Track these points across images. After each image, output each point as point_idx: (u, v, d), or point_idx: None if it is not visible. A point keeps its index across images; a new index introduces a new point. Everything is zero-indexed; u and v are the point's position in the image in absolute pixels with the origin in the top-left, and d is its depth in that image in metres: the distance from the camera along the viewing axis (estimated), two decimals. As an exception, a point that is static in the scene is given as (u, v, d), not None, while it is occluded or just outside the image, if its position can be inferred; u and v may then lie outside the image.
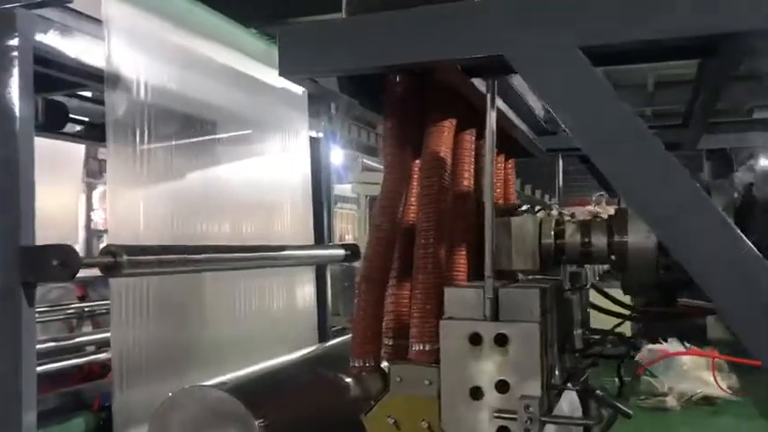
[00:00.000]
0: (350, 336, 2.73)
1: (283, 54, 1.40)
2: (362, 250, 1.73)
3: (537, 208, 1.77)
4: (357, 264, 7.36)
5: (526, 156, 2.47)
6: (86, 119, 3.27)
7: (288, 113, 2.86)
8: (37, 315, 1.65)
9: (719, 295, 1.14)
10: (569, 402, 1.74)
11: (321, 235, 3.11)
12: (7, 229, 1.57)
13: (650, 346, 6.32)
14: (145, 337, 2.01)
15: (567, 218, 1.66)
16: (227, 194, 2.46)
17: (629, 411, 1.35)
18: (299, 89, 2.93)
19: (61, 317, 3.90)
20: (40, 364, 1.96)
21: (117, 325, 1.95)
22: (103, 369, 3.41)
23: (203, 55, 2.30)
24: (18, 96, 1.59)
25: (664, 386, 5.90)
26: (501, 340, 1.35)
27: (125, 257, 1.69)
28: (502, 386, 1.34)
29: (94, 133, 3.21)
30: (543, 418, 1.28)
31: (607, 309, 2.53)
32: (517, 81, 1.71)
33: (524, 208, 1.75)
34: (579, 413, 1.76)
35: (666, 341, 6.46)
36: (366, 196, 8.58)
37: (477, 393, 1.36)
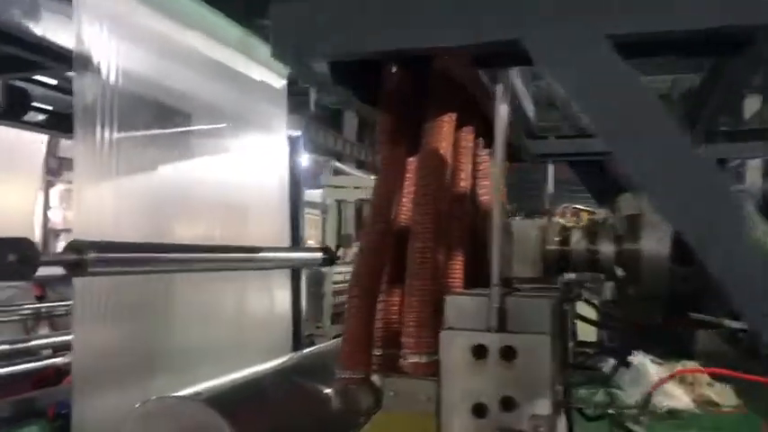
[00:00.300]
0: (326, 344, 2.62)
1: (276, 35, 1.28)
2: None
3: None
4: (326, 269, 7.19)
5: (517, 160, 2.39)
6: (51, 108, 3.09)
7: (266, 109, 2.73)
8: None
9: (753, 300, 1.05)
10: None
11: (296, 238, 2.99)
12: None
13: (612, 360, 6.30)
14: (109, 341, 1.86)
15: (572, 224, 1.57)
16: (201, 192, 2.33)
17: (641, 431, 1.26)
18: (278, 84, 2.81)
19: (15, 318, 3.69)
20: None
21: (79, 328, 1.80)
22: (59, 374, 3.22)
23: (181, 41, 2.17)
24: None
25: (631, 399, 5.91)
26: (508, 353, 1.24)
27: (92, 255, 1.55)
28: (508, 403, 1.24)
29: (59, 123, 3.03)
30: (555, 439, 1.17)
31: (594, 320, 2.46)
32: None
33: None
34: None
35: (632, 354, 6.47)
36: (336, 201, 8.45)
37: (480, 411, 1.25)
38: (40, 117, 3.10)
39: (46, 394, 2.85)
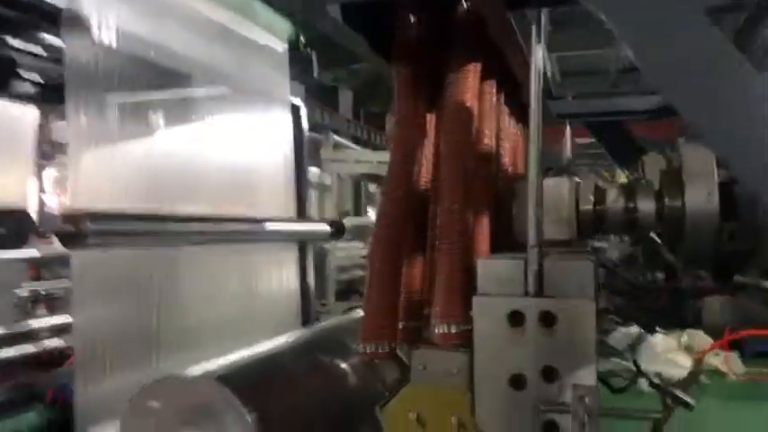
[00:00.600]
0: (337, 318, 2.53)
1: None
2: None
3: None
4: (329, 246, 7.09)
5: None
6: (41, 80, 2.97)
7: (268, 74, 2.61)
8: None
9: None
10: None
11: (303, 211, 2.88)
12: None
13: (622, 328, 6.31)
14: (110, 321, 1.76)
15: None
16: (204, 162, 2.21)
17: (691, 402, 1.17)
18: (279, 47, 2.68)
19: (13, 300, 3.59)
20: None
21: (80, 306, 1.70)
22: (54, 357, 3.14)
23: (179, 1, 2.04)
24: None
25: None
26: (547, 320, 1.15)
27: (89, 226, 1.45)
28: (549, 374, 1.15)
29: (50, 96, 2.91)
30: (602, 411, 1.08)
31: (617, 287, 2.37)
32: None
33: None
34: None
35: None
36: (337, 175, 8.34)
37: (518, 383, 1.16)
38: (30, 89, 2.98)
39: (44, 378, 2.77)
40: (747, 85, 0.96)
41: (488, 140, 1.53)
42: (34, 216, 8.60)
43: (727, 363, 6.23)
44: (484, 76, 1.52)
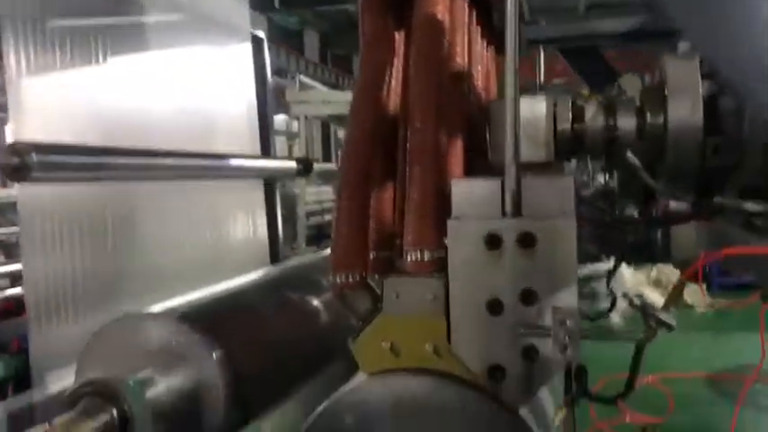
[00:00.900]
0: (306, 256, 2.46)
1: None
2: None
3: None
4: (298, 191, 7.00)
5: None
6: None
7: (226, 2, 2.48)
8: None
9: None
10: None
11: (268, 149, 2.78)
12: None
13: (590, 265, 6.45)
14: (65, 265, 1.68)
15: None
16: (158, 96, 2.10)
17: (673, 323, 1.13)
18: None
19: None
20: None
21: (30, 252, 1.61)
22: (17, 306, 3.04)
23: None
24: None
25: (607, 303, 6.00)
26: (526, 241, 1.10)
27: (35, 157, 1.35)
28: (528, 297, 1.10)
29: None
30: (583, 333, 1.04)
31: (595, 219, 2.34)
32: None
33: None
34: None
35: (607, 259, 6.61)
36: (305, 118, 8.16)
37: (495, 307, 1.12)
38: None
39: (7, 327, 2.68)
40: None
41: (460, 58, 1.44)
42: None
43: (695, 295, 6.40)
44: (455, -9, 1.43)
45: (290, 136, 10.19)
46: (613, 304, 1.91)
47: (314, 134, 10.13)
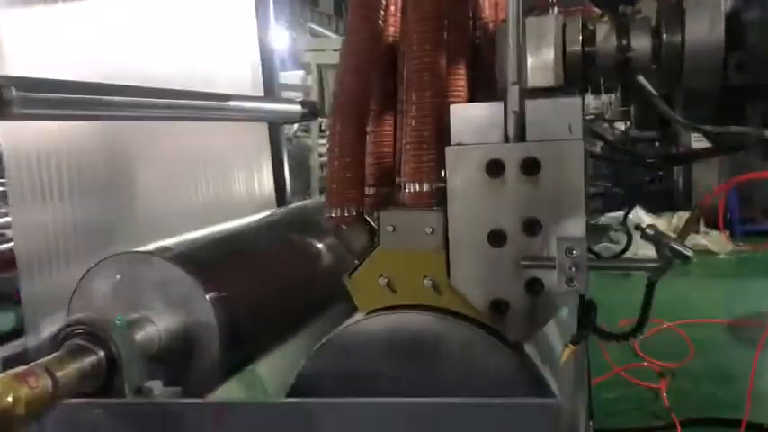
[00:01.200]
0: (314, 199, 2.40)
1: None
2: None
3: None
4: (311, 142, 6.93)
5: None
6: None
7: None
8: None
9: None
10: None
11: (272, 91, 2.70)
12: None
13: (610, 213, 6.41)
14: (57, 215, 1.62)
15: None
16: (154, 43, 2.02)
17: (689, 254, 1.07)
18: None
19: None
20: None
21: (17, 202, 1.55)
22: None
23: None
24: None
25: (628, 251, 5.96)
26: (530, 167, 1.03)
27: (14, 93, 1.29)
28: (531, 227, 1.04)
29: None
30: (591, 263, 0.98)
31: (610, 156, 2.26)
32: None
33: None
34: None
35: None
36: (317, 66, 8.02)
37: (497, 238, 1.06)
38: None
39: (10, 278, 2.66)
40: None
41: (462, -20, 1.36)
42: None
43: (717, 242, 6.31)
44: None
45: (305, 90, 10.05)
46: (629, 243, 1.84)
47: (328, 80, 9.96)
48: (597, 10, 1.43)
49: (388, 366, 1.10)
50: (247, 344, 1.33)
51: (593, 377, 3.46)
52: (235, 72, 2.42)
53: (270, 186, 2.60)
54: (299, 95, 9.72)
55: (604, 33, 1.27)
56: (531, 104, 1.05)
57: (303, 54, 7.84)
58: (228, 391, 1.36)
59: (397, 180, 1.29)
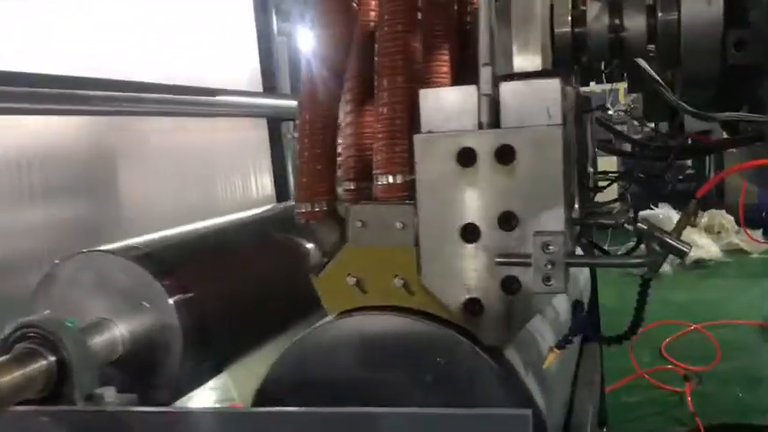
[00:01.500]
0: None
1: None
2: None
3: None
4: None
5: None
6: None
7: None
8: None
9: None
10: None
11: (273, 86, 2.65)
12: None
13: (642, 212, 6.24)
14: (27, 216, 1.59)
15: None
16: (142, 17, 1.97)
17: (686, 249, 0.98)
18: None
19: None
20: None
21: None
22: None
23: None
24: None
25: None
26: (505, 155, 0.95)
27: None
28: (507, 221, 0.96)
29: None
30: (569, 260, 0.90)
31: (618, 149, 2.16)
32: None
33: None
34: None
35: (657, 207, 6.46)
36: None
37: (470, 233, 0.98)
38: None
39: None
40: None
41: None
42: None
43: (749, 241, 6.14)
44: None
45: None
46: (639, 243, 1.74)
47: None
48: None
49: (356, 372, 1.03)
50: (218, 348, 1.27)
51: (615, 380, 3.38)
52: (228, 65, 2.36)
53: (270, 185, 2.55)
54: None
55: (596, 13, 1.19)
56: (505, 88, 0.97)
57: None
58: (201, 397, 1.30)
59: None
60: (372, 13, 1.29)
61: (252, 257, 1.46)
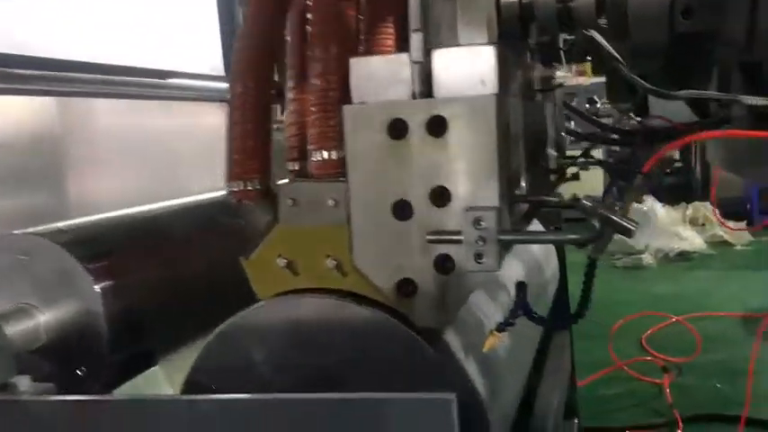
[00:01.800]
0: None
1: None
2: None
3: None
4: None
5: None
6: None
7: None
8: None
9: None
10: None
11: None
12: None
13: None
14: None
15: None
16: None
17: (632, 227, 0.94)
18: None
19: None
20: None
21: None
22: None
23: None
24: None
25: (639, 244, 5.84)
26: (437, 127, 0.91)
27: None
28: (440, 196, 0.92)
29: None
30: (502, 237, 0.85)
31: (586, 133, 2.13)
32: None
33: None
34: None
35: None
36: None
37: (402, 210, 0.94)
38: None
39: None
40: None
41: None
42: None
43: (734, 234, 6.13)
44: None
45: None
46: (602, 229, 1.70)
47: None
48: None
49: (285, 357, 0.99)
50: (151, 338, 1.22)
51: (594, 372, 3.36)
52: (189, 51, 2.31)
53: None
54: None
55: (543, -19, 1.14)
56: (438, 55, 0.93)
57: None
58: (134, 388, 1.26)
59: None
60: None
61: (195, 244, 1.41)
